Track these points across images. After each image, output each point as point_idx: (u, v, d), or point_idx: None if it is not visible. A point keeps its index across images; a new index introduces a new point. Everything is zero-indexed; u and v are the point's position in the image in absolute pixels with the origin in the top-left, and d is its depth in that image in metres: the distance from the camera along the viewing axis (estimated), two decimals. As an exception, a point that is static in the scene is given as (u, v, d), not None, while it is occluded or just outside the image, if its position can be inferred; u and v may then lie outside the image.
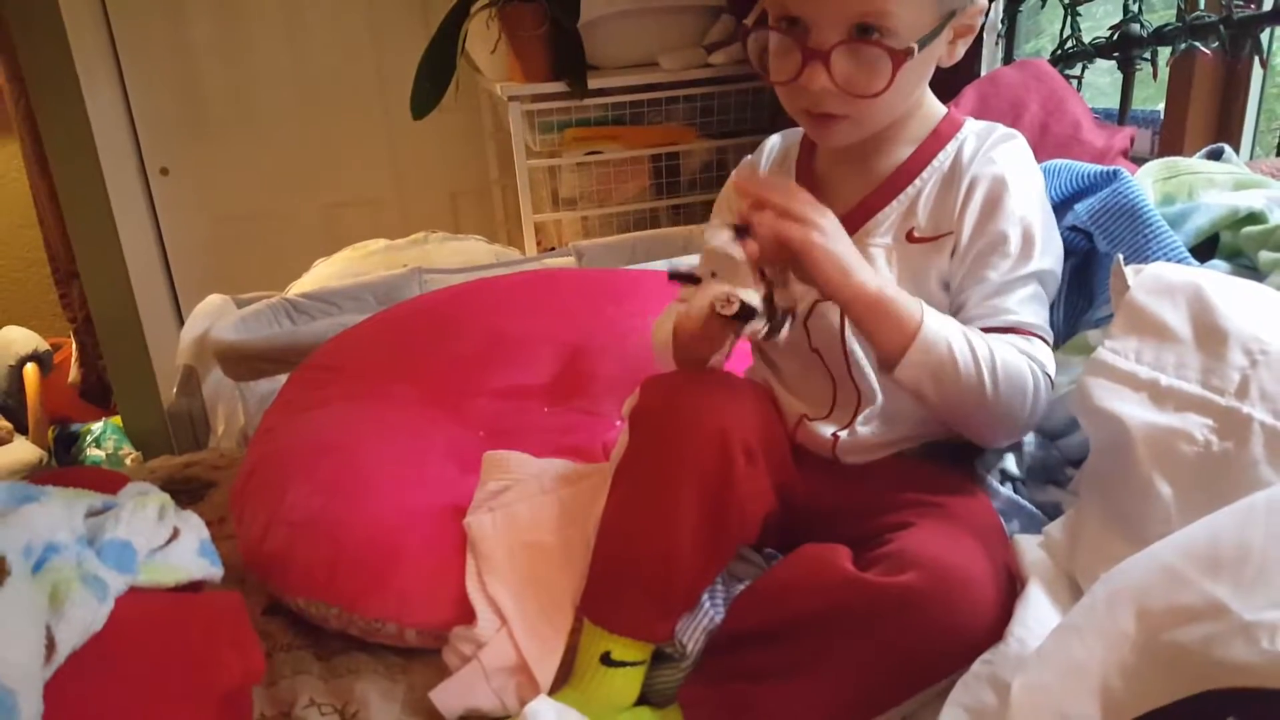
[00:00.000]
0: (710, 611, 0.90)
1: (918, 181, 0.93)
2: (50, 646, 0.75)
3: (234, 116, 3.02)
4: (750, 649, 0.85)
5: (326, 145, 3.09)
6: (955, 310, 0.91)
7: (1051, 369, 0.87)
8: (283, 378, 1.79)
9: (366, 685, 0.97)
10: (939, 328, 0.84)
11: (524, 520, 1.01)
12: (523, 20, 2.20)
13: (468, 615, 0.96)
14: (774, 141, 1.05)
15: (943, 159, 0.92)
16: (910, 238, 0.92)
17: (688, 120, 2.44)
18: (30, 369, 3.05)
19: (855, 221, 0.94)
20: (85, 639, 0.79)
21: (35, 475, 1.08)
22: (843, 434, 0.93)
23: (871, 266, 0.90)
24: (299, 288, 2.12)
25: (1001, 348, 0.85)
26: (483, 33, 2.30)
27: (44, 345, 3.12)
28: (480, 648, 0.93)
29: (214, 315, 1.94)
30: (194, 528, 0.99)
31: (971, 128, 0.94)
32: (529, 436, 1.20)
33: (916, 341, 0.83)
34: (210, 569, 0.96)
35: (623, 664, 0.88)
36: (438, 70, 2.22)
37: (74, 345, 3.34)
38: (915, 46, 0.82)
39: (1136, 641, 0.60)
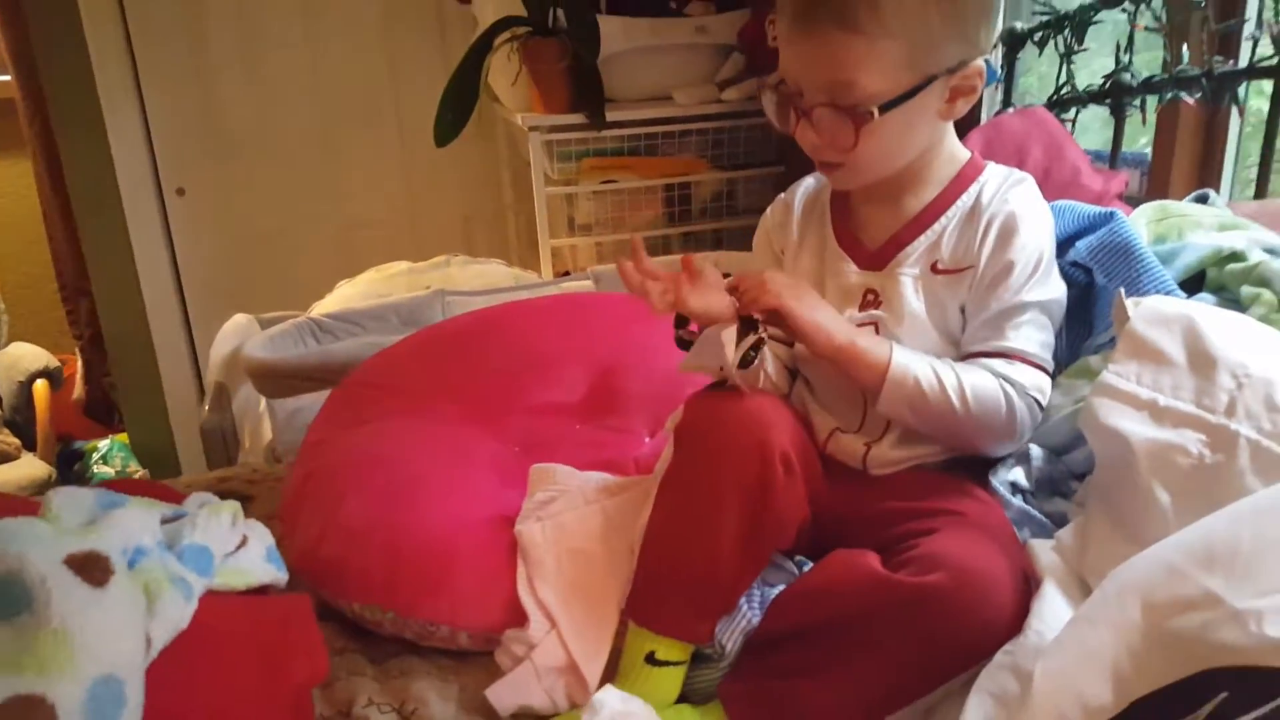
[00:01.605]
0: (748, 614, 0.97)
1: (943, 219, 1.02)
2: (146, 643, 0.81)
3: (251, 139, 3.07)
4: (787, 648, 0.93)
5: (342, 169, 3.15)
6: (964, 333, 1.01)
7: (1035, 387, 0.97)
8: (312, 395, 1.87)
9: (422, 685, 1.03)
10: (905, 365, 0.96)
11: (571, 529, 1.08)
12: (545, 54, 2.29)
13: (518, 619, 1.03)
14: (809, 182, 1.14)
15: (966, 200, 1.02)
16: (935, 269, 1.01)
17: (699, 152, 2.53)
18: (40, 385, 3.08)
19: (887, 254, 1.03)
20: (174, 636, 0.85)
21: (111, 484, 1.14)
22: (873, 446, 1.02)
23: (897, 297, 1.01)
24: (322, 308, 2.18)
25: (971, 374, 0.96)
26: (504, 65, 2.38)
27: (54, 362, 3.16)
28: (532, 649, 1.00)
29: (241, 334, 2.00)
30: (260, 535, 1.06)
31: (991, 172, 1.04)
32: (562, 452, 1.27)
33: (887, 379, 0.95)
34: (277, 574, 1.03)
35: (666, 664, 0.96)
36: (461, 100, 2.30)
37: (79, 362, 3.39)
38: (875, 111, 0.93)
39: (1143, 629, 0.68)
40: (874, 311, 1.03)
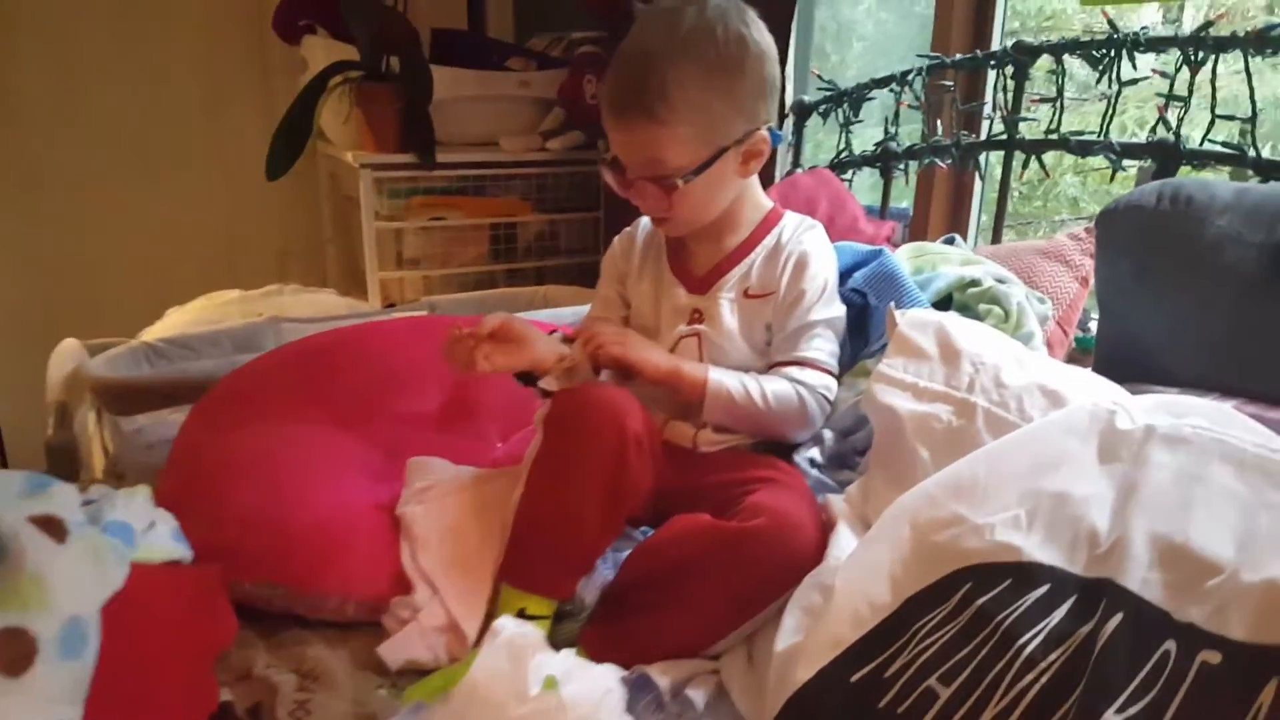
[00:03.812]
0: (604, 572, 1.15)
1: (751, 255, 1.28)
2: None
3: (60, 169, 3.00)
4: (637, 595, 1.11)
5: (155, 201, 3.12)
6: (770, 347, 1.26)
7: (823, 386, 1.24)
8: (148, 416, 1.91)
9: (314, 650, 1.13)
10: (719, 381, 1.21)
11: (449, 510, 1.23)
12: (378, 98, 2.43)
13: (402, 588, 1.17)
14: (645, 221, 1.37)
15: (769, 240, 1.29)
16: (746, 294, 1.27)
17: (524, 195, 2.74)
18: None
19: (710, 281, 1.28)
20: (111, 596, 0.93)
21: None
22: (700, 430, 1.25)
23: (717, 315, 1.25)
24: (153, 333, 2.21)
25: (771, 382, 1.22)
26: (334, 106, 2.51)
27: None
28: (417, 612, 1.14)
29: (74, 358, 2.01)
30: (164, 518, 1.14)
31: (789, 218, 1.31)
32: (423, 456, 1.41)
33: (707, 395, 1.21)
34: (185, 552, 1.12)
35: (535, 618, 1.11)
36: (294, 136, 2.41)
37: None
38: (680, 182, 1.18)
39: (911, 544, 0.91)
40: (698, 325, 1.27)
